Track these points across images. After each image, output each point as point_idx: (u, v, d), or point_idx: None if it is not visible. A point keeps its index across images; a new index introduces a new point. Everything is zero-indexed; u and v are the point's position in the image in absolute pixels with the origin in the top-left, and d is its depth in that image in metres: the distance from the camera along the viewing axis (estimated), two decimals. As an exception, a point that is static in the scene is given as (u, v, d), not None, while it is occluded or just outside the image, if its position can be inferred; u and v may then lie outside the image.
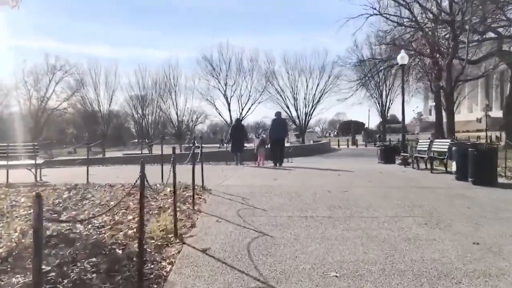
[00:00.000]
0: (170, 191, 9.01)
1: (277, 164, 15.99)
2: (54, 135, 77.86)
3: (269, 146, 16.74)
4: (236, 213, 7.08)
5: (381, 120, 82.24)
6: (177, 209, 7.47)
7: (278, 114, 17.37)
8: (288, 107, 57.34)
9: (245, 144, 17.76)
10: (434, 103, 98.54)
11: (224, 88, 57.96)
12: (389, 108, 61.78)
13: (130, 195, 8.71)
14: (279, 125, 16.36)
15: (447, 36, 28.51)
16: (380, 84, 54.27)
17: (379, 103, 60.16)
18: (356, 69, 40.06)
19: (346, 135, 77.00)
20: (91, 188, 10.02)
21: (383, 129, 63.70)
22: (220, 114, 59.27)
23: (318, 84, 57.22)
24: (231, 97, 58.06)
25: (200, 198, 8.44)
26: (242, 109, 57.85)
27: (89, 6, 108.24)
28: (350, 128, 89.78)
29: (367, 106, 66.88)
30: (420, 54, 32.69)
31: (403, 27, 35.04)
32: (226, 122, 59.25)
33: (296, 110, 57.06)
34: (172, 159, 5.86)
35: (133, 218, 6.58)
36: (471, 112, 78.08)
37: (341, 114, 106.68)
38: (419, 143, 16.59)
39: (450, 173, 12.75)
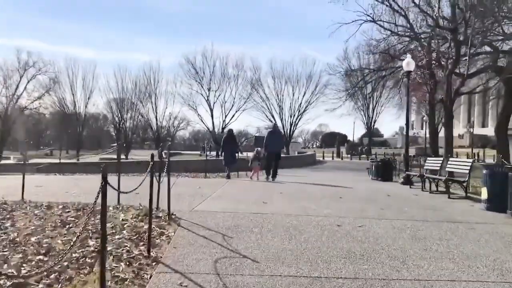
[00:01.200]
0: (122, 220, 6.54)
1: (270, 178, 14.65)
2: (29, 136, 74.21)
3: (265, 157, 15.39)
4: (213, 265, 4.62)
5: (365, 132, 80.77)
6: (127, 254, 4.99)
7: (274, 126, 16.53)
8: (273, 116, 55.00)
9: (237, 155, 16.42)
10: (414, 118, 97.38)
11: (207, 94, 55.16)
12: (375, 121, 59.97)
13: (64, 226, 6.19)
14: (276, 137, 15.35)
15: (445, 46, 26.62)
16: (368, 96, 52.39)
17: (365, 115, 58.34)
18: (346, 79, 37.99)
19: (329, 147, 75.09)
20: (22, 208, 7.44)
21: (369, 142, 61.88)
22: (202, 121, 56.51)
23: (304, 93, 55.06)
24: (214, 103, 55.35)
25: (164, 234, 5.95)
26: (226, 116, 55.33)
27: (67, 6, 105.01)
28: (333, 140, 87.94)
29: (353, 118, 65.04)
30: (416, 65, 30.75)
31: (397, 36, 33.14)
32: (208, 129, 56.58)
33: (281, 120, 54.85)
34: (100, 190, 3.40)
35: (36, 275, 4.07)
36: (453, 128, 77.14)
37: (324, 125, 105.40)
38: (428, 161, 14.33)
39: (473, 199, 10.53)
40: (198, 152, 67.44)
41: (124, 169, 22.07)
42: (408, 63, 15.83)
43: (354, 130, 77.83)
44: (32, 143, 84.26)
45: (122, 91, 58.11)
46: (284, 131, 53.89)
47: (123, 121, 59.21)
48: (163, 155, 7.70)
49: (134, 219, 6.64)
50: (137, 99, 57.12)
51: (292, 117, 54.98)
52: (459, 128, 76.40)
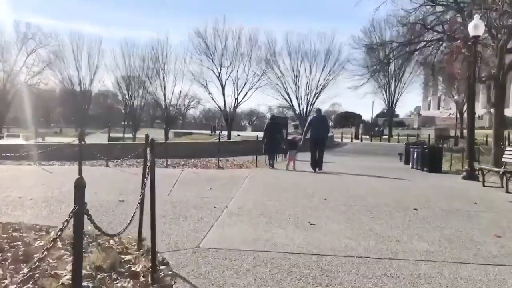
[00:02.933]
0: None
1: (316, 169, 13.14)
2: (37, 113, 71.63)
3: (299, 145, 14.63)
4: None
5: (380, 112, 77.04)
6: None
7: (318, 110, 15.05)
8: (288, 94, 51.06)
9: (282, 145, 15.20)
10: (431, 98, 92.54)
11: (219, 70, 51.00)
12: (397, 100, 55.92)
13: None
14: (320, 123, 13.72)
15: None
16: (394, 74, 48.36)
17: (386, 94, 54.34)
18: (371, 53, 34.22)
19: (342, 127, 71.53)
20: None
21: (390, 122, 58.09)
22: (213, 99, 52.64)
23: (322, 70, 50.89)
24: (226, 80, 51.33)
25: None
26: (238, 94, 51.45)
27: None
28: (346, 120, 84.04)
29: (368, 98, 61.35)
30: (452, 38, 27.07)
31: (429, 6, 29.37)
32: (220, 107, 52.88)
33: (297, 99, 50.91)
34: None
35: None
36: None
37: (337, 104, 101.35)
38: (508, 151, 10.88)
39: None
40: (209, 132, 64.47)
41: (125, 154, 19.01)
42: (475, 26, 12.26)
43: (373, 110, 73.47)
44: (42, 121, 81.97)
45: (130, 68, 54.55)
46: (300, 111, 50.33)
47: (131, 99, 55.90)
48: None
49: (89, 281, 3.41)
50: (145, 76, 53.50)
51: (308, 96, 51.09)
52: (477, 109, 71.89)
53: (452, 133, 56.56)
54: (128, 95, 55.47)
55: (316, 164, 13.24)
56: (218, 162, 13.67)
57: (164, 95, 51.79)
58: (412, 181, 11.26)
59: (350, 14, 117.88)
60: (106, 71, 66.22)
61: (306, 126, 14.15)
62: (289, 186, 8.95)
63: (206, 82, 50.51)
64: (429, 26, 28.66)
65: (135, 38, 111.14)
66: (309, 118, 15.09)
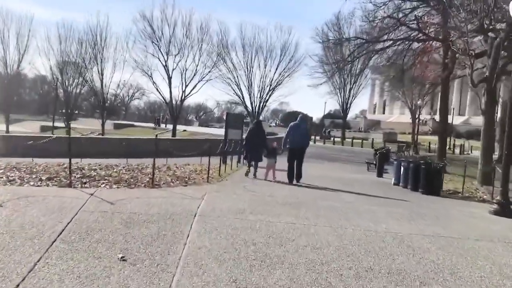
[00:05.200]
0: None
1: (293, 181, 11.82)
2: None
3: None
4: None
5: (326, 114, 75.04)
6: None
7: (301, 118, 13.14)
8: (240, 90, 46.79)
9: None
10: (377, 101, 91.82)
11: (165, 58, 45.31)
12: (351, 103, 53.20)
13: None
14: (301, 131, 12.28)
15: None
16: (353, 74, 45.42)
17: (341, 96, 51.43)
18: (331, 51, 30.86)
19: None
20: None
21: (344, 125, 55.60)
22: (157, 90, 46.99)
23: (278, 65, 46.86)
24: (173, 70, 45.99)
25: None
26: (186, 86, 46.42)
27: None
28: (294, 120, 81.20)
29: (322, 98, 58.75)
30: (424, 34, 24.23)
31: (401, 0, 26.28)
32: (165, 99, 47.59)
33: (249, 95, 46.64)
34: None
35: None
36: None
37: (285, 103, 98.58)
38: None
39: None
40: (152, 125, 59.19)
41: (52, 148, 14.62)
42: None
43: (325, 110, 70.88)
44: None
45: (65, 52, 47.63)
46: (252, 108, 46.20)
47: (66, 86, 49.18)
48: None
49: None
50: (81, 61, 46.95)
51: (261, 92, 46.94)
52: (421, 114, 71.03)
53: (399, 137, 55.08)
54: (63, 81, 48.76)
55: (294, 176, 11.91)
56: (153, 176, 9.26)
57: (102, 82, 45.73)
58: (441, 220, 7.51)
59: (311, 11, 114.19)
60: (39, 53, 57.29)
61: (286, 133, 12.61)
62: (274, 244, 4.83)
63: (151, 71, 45.02)
64: (405, 20, 25.68)
65: (72, 20, 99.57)
66: (290, 124, 13.06)
